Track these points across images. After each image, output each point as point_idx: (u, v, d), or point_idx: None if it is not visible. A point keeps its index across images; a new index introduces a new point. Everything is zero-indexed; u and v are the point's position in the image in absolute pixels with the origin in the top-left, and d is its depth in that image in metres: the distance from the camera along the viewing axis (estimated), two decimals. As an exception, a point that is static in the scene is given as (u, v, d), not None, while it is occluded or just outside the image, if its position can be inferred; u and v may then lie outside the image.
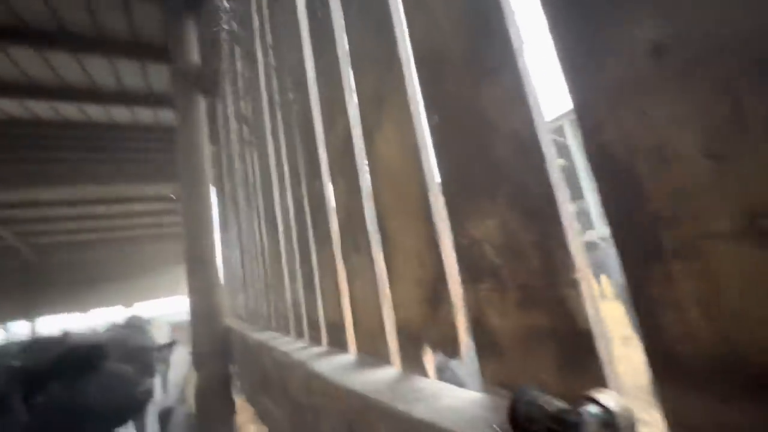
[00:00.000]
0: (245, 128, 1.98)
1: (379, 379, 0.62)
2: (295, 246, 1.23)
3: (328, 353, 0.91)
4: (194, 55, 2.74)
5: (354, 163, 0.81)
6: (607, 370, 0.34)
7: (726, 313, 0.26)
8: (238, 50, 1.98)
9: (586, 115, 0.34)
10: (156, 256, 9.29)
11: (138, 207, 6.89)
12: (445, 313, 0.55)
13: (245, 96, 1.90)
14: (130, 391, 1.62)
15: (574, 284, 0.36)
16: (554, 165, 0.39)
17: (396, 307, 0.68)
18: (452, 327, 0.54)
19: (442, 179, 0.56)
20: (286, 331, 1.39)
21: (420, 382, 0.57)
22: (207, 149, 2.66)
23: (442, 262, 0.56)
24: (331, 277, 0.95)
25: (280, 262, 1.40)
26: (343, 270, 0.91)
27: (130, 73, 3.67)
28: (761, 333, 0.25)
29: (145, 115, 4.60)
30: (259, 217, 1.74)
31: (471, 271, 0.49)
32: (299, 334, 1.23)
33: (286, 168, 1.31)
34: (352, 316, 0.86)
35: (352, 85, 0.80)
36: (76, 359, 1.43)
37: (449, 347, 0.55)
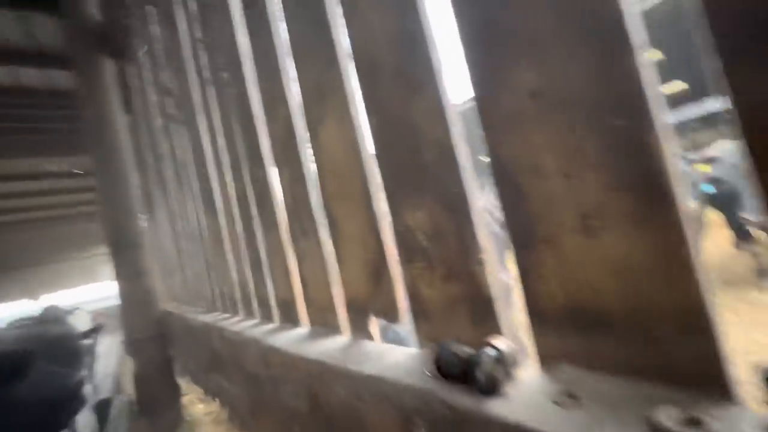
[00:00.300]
0: (168, 101, 1.83)
1: (332, 347, 0.72)
2: (240, 229, 1.24)
3: (281, 329, 0.98)
4: (93, 8, 2.38)
5: (298, 154, 0.85)
6: (503, 324, 0.47)
7: (571, 280, 0.39)
8: (153, 11, 1.79)
9: (489, 135, 0.45)
10: (67, 240, 8.19)
11: (36, 185, 5.95)
12: (387, 288, 0.66)
13: (167, 65, 1.75)
14: (65, 390, 1.53)
15: (481, 262, 0.48)
16: (468, 170, 0.50)
17: (344, 284, 0.77)
18: (393, 298, 0.65)
19: (381, 174, 0.64)
20: (234, 311, 1.42)
21: (368, 345, 0.68)
22: (121, 119, 2.40)
23: (383, 245, 0.65)
24: (281, 259, 1.01)
25: (222, 244, 1.40)
26: (292, 252, 0.97)
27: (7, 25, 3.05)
28: (591, 293, 0.38)
29: (31, 76, 3.89)
30: (194, 198, 1.68)
31: (407, 253, 0.60)
32: (249, 314, 1.28)
33: (224, 151, 1.28)
34: (304, 294, 0.94)
35: (293, 75, 0.82)
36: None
37: (391, 315, 0.66)
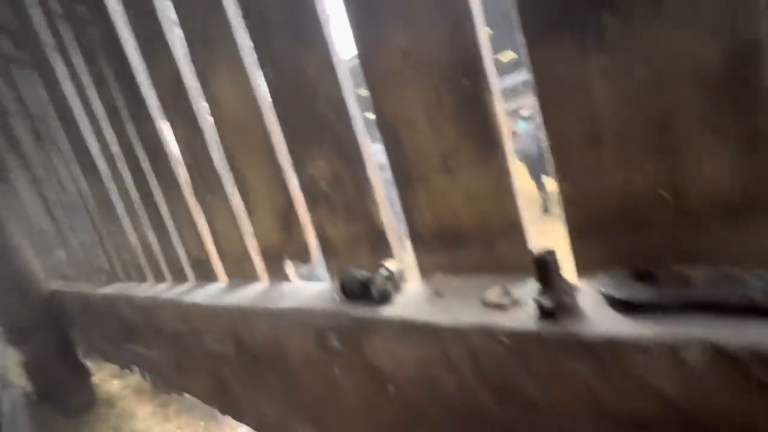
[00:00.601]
0: (4, 40, 1.46)
1: (252, 293, 0.77)
2: (134, 191, 1.14)
3: (197, 287, 0.99)
4: None
5: (191, 105, 0.81)
6: (395, 251, 0.58)
7: (439, 209, 0.50)
8: None
9: (373, 92, 0.51)
10: None
11: None
12: (298, 233, 0.72)
13: (-10, -10, 1.36)
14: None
15: (375, 204, 0.57)
16: (359, 121, 0.56)
17: (258, 234, 0.81)
18: (304, 242, 0.71)
19: (281, 126, 0.66)
20: (141, 278, 1.35)
21: (285, 286, 0.75)
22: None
23: (290, 195, 0.70)
24: (187, 218, 0.98)
25: (113, 210, 1.27)
26: (199, 209, 0.95)
27: None
28: (453, 218, 0.49)
29: None
30: (65, 160, 1.44)
31: (312, 200, 0.66)
32: (159, 278, 1.23)
33: (97, 102, 1.11)
34: (217, 249, 0.94)
35: (174, 18, 0.75)
36: None
37: (304, 257, 0.73)
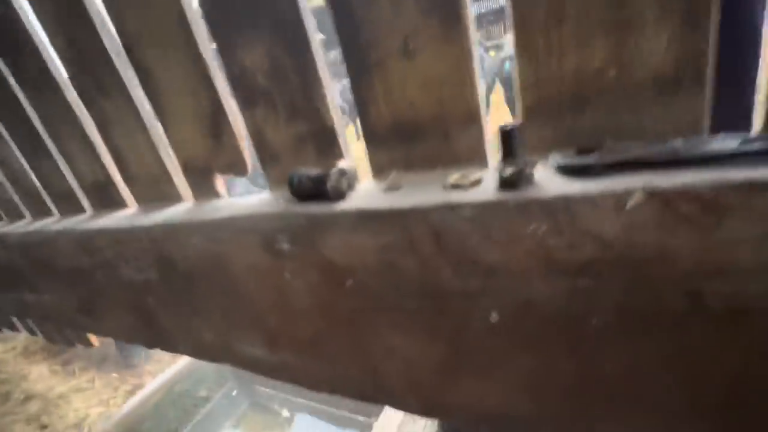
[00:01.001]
0: None
1: (177, 211, 0.68)
2: (-14, 97, 0.88)
3: (97, 216, 0.84)
4: None
5: (64, -30, 0.61)
6: (345, 150, 0.55)
7: (395, 100, 0.48)
8: None
9: (322, -48, 0.43)
10: None
11: None
12: (229, 140, 0.63)
13: None
14: None
15: (323, 98, 0.52)
16: (304, 2, 0.48)
17: (177, 147, 0.70)
18: (237, 151, 0.64)
19: (201, 7, 0.55)
20: (12, 216, 1.10)
21: (217, 203, 0.68)
22: None
23: (218, 93, 0.60)
24: (74, 132, 0.80)
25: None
26: (90, 120, 0.77)
27: None
28: (410, 110, 0.48)
29: None
30: None
31: (247, 98, 0.57)
32: (42, 212, 1.02)
33: None
34: (121, 169, 0.80)
35: None
36: None
37: (238, 168, 0.66)
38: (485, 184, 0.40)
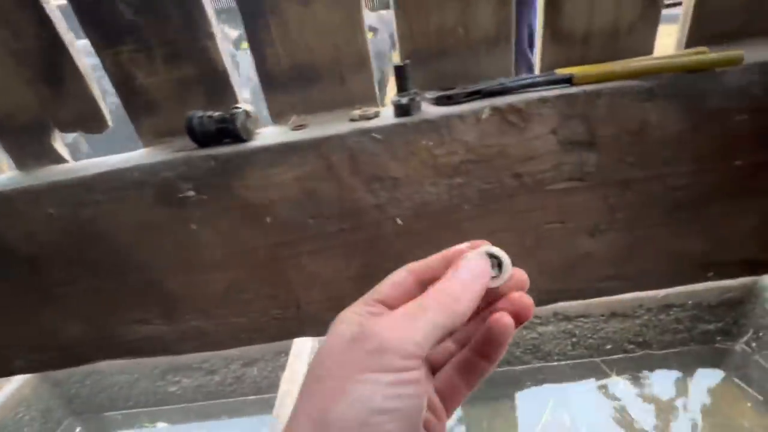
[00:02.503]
0: None
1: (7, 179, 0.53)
2: None
3: None
4: None
5: None
6: (239, 95, 0.55)
7: (293, 44, 0.52)
8: None
9: None
10: None
11: None
12: (75, 87, 0.53)
13: None
14: None
15: (212, 36, 0.50)
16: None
17: (-19, 95, 0.53)
18: (89, 99, 0.54)
19: None
20: None
21: (54, 168, 0.56)
22: None
23: (53, 25, 0.49)
24: None
25: None
26: None
27: None
28: (308, 54, 0.52)
29: None
30: None
31: (106, 35, 0.49)
32: None
33: None
34: None
35: None
36: None
37: (92, 123, 0.56)
38: (383, 115, 0.50)
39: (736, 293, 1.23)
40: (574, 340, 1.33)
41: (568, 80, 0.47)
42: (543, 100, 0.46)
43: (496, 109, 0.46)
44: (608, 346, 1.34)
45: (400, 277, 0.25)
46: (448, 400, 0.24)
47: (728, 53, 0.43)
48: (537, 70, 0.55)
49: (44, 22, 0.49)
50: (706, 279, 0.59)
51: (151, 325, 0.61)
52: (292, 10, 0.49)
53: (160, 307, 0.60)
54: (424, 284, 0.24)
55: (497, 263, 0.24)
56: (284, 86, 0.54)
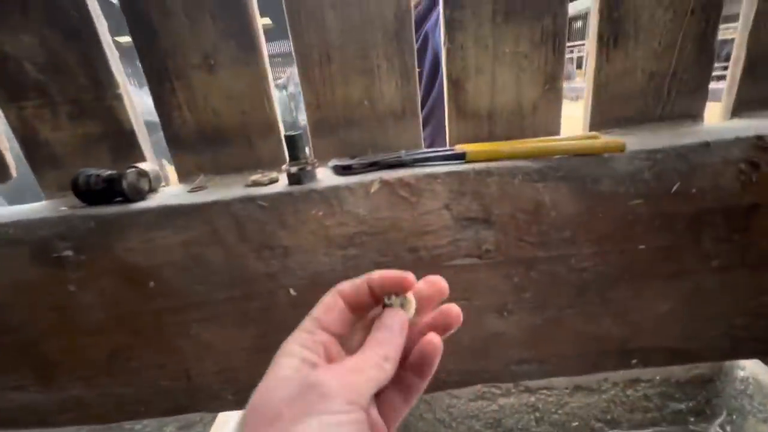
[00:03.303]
0: None
1: None
2: None
3: None
4: None
5: None
6: (146, 153, 0.54)
7: (200, 109, 0.52)
8: None
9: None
10: None
11: None
12: (-20, 139, 0.52)
13: None
14: None
15: (119, 97, 0.51)
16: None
17: None
18: (-6, 151, 0.53)
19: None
20: None
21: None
22: None
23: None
24: None
25: None
26: None
27: None
28: (215, 118, 0.53)
29: None
30: None
31: (11, 90, 0.50)
32: None
33: None
34: None
35: None
36: None
37: (-6, 173, 0.54)
38: (282, 181, 0.49)
39: (705, 369, 1.17)
40: (537, 414, 1.23)
41: (462, 156, 0.46)
42: (433, 176, 0.45)
43: (386, 183, 0.45)
44: (574, 423, 1.24)
45: (332, 300, 0.27)
46: (389, 417, 0.26)
47: (612, 140, 0.44)
48: (447, 144, 0.55)
49: (-49, 76, 0.49)
50: (631, 366, 0.55)
51: (27, 393, 0.55)
52: (198, 77, 0.50)
53: (36, 373, 0.54)
54: (353, 306, 0.27)
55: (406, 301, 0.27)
56: (191, 147, 0.54)
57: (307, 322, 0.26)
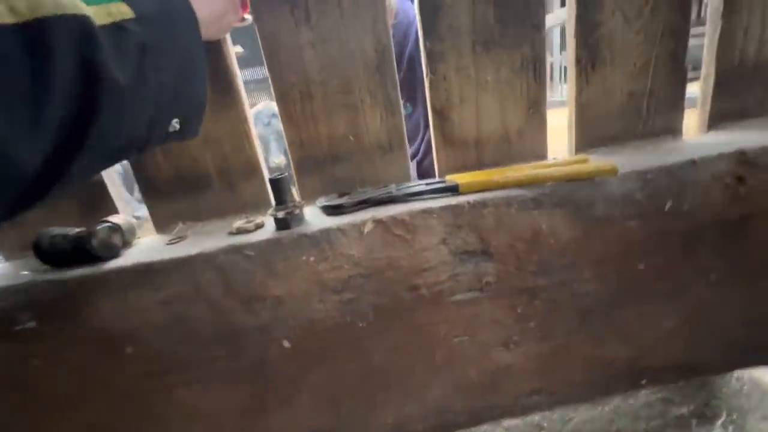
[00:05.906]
0: None
1: None
2: None
3: None
4: None
5: None
6: (119, 204, 0.50)
7: (175, 155, 0.49)
8: None
9: None
10: None
11: None
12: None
13: None
14: None
15: (85, 148, 0.47)
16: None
17: None
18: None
19: None
20: None
21: None
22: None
23: None
24: None
25: None
26: None
27: None
28: (192, 163, 0.50)
29: None
30: None
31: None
32: None
33: None
34: None
35: None
36: None
37: (-55, 238, 0.49)
38: (268, 227, 0.46)
39: (702, 371, 1.18)
40: (543, 434, 1.20)
41: (455, 188, 0.45)
42: (428, 211, 0.43)
43: (379, 222, 0.43)
44: (582, 440, 1.21)
45: None
46: None
47: (603, 165, 0.43)
48: (436, 175, 0.54)
49: None
50: (641, 386, 0.54)
51: (-13, 484, 0.49)
52: (172, 123, 0.48)
53: (-4, 461, 0.48)
54: None
55: None
56: (168, 194, 0.51)
57: None
